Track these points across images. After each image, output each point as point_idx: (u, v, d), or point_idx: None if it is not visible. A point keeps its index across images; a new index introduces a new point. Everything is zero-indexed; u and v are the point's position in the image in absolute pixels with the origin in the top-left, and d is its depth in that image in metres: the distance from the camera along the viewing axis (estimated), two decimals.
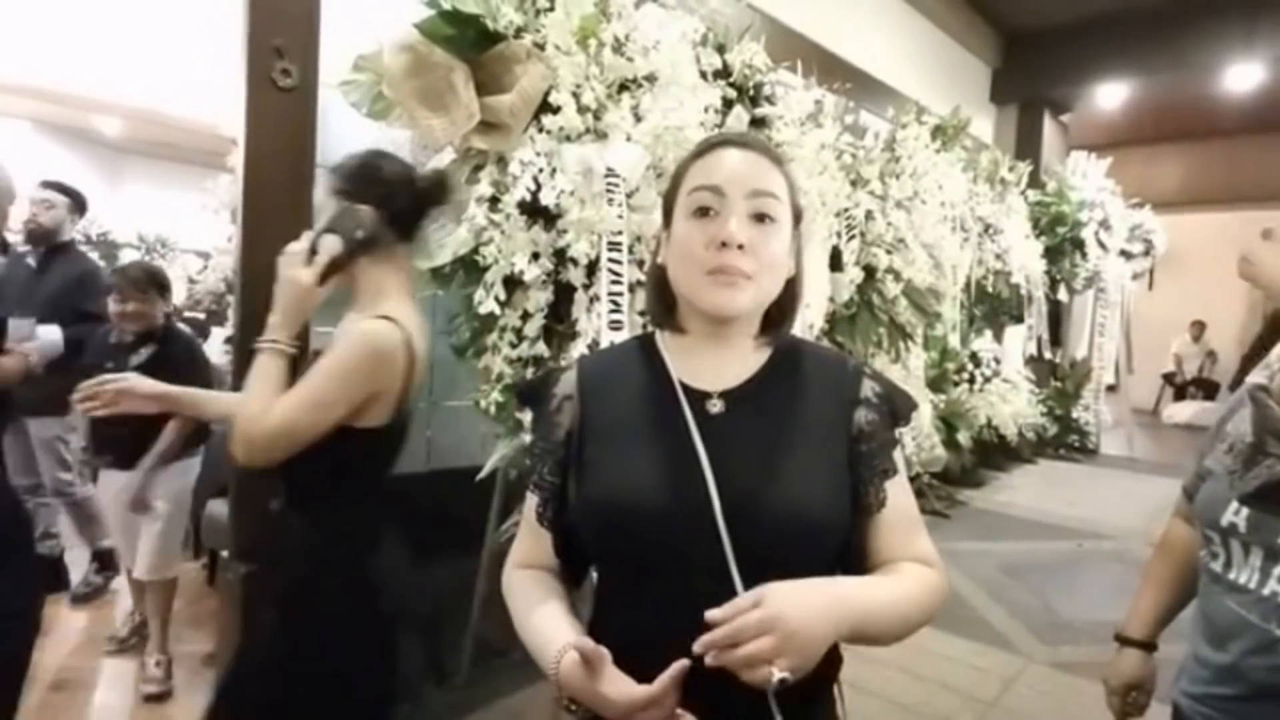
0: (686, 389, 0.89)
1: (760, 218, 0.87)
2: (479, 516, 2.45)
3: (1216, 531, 1.07)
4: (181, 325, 3.46)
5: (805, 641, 0.73)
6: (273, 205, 2.22)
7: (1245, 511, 1.03)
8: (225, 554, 2.30)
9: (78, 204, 3.22)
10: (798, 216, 0.93)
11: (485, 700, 2.63)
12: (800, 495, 0.84)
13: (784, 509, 0.83)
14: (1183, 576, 1.28)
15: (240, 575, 2.17)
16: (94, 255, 4.73)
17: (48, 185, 3.13)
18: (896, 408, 0.92)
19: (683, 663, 0.74)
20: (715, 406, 0.89)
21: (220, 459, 3.31)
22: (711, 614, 0.73)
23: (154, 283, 2.75)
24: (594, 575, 1.03)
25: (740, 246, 0.84)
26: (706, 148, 0.91)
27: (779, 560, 0.83)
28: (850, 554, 0.90)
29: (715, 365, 0.91)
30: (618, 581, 0.93)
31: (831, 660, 0.87)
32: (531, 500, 0.97)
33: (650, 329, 1.00)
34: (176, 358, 2.74)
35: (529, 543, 0.99)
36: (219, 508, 3.29)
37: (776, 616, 0.72)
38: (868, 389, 0.91)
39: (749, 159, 0.89)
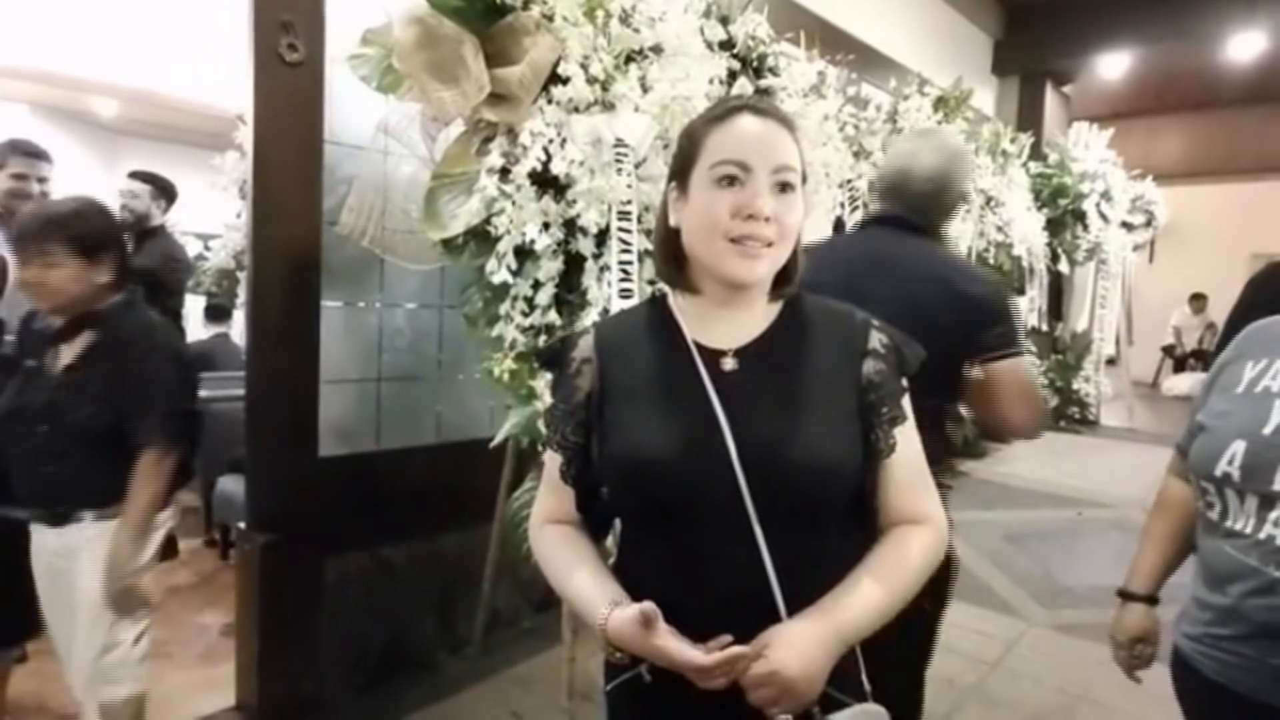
0: (701, 348, 0.93)
1: (782, 187, 0.90)
2: (489, 487, 2.49)
3: (1211, 482, 1.11)
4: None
5: (804, 688, 0.81)
6: (282, 181, 2.23)
7: (1238, 460, 1.06)
8: (241, 525, 2.33)
9: (160, 189, 3.32)
10: (804, 178, 0.95)
11: (498, 667, 2.70)
12: (813, 442, 0.88)
13: (797, 455, 0.86)
14: (1180, 531, 1.31)
15: (259, 545, 2.21)
16: None
17: (134, 176, 3.26)
18: (904, 358, 0.96)
19: (740, 650, 0.80)
20: (729, 364, 0.92)
21: (227, 435, 3.36)
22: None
23: (64, 234, 1.70)
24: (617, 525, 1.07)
25: (766, 218, 0.88)
26: (723, 113, 0.93)
27: (795, 506, 0.88)
28: (862, 503, 0.94)
29: (728, 325, 0.95)
30: (641, 531, 0.97)
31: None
32: (554, 460, 1.00)
33: (660, 293, 1.03)
34: (120, 351, 1.77)
35: (553, 500, 1.03)
36: (231, 484, 3.35)
37: (776, 671, 0.80)
38: (875, 340, 0.95)
39: (768, 129, 0.91)
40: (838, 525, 0.95)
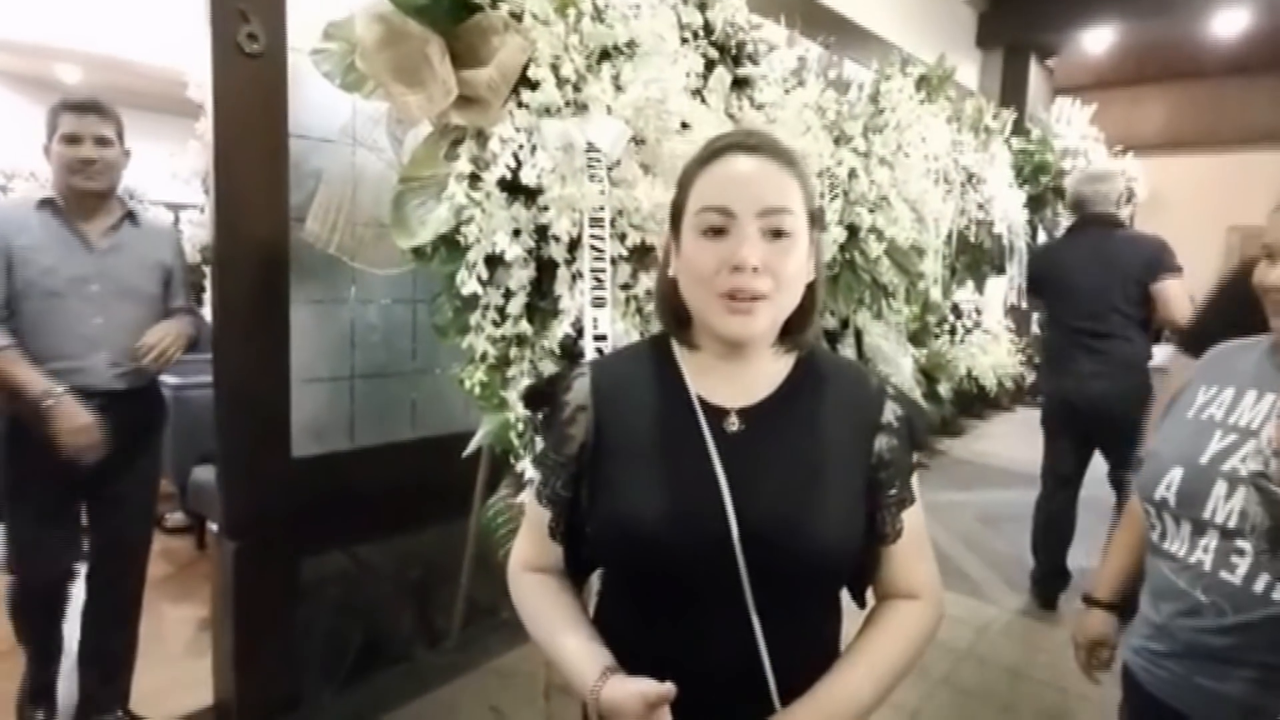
0: (704, 405, 0.88)
1: (775, 234, 0.83)
2: (466, 481, 2.47)
3: (1152, 505, 1.15)
4: None
5: None
6: (246, 176, 2.17)
7: (1175, 486, 1.10)
8: (214, 526, 2.31)
9: None
10: (814, 218, 0.88)
11: (476, 661, 2.71)
12: (818, 525, 0.84)
13: (802, 537, 0.83)
14: (1143, 544, 1.35)
15: (231, 552, 2.19)
16: None
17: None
18: (916, 431, 0.91)
19: None
20: (733, 425, 0.87)
21: (200, 424, 3.30)
22: None
23: None
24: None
25: (755, 269, 0.81)
26: (712, 154, 0.87)
27: (794, 588, 0.85)
28: (858, 575, 0.93)
29: (733, 380, 0.89)
30: (628, 595, 0.94)
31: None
32: (541, 514, 0.96)
33: (662, 333, 0.98)
34: None
35: (537, 549, 0.98)
36: (205, 474, 3.30)
37: None
38: (889, 413, 0.90)
39: (759, 168, 0.84)
40: (833, 601, 0.94)
